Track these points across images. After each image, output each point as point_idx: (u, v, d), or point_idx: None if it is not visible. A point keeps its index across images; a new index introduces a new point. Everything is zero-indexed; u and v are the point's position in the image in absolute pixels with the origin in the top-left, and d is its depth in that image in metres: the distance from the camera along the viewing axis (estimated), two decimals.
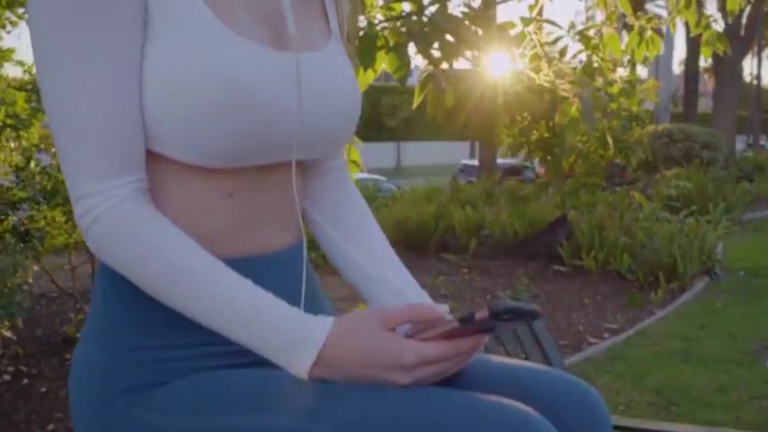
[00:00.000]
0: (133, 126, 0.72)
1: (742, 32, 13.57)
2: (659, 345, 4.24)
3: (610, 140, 3.34)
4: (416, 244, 7.09)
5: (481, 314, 0.72)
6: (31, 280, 3.24)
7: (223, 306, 0.72)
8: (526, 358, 1.48)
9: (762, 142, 29.46)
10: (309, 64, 0.79)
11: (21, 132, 4.28)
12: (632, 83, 4.48)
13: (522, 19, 3.19)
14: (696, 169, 9.66)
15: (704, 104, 32.77)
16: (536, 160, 7.32)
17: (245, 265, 0.78)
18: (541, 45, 3.26)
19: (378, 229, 0.96)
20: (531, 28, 3.17)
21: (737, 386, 3.48)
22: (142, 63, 0.71)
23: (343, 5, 0.91)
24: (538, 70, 3.34)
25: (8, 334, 3.16)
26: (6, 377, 3.79)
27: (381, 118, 22.22)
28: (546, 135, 6.97)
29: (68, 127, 0.71)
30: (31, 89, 4.78)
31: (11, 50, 3.96)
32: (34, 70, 4.13)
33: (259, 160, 0.77)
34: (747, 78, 36.25)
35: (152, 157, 0.75)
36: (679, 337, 4.36)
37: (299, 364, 0.71)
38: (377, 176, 15.25)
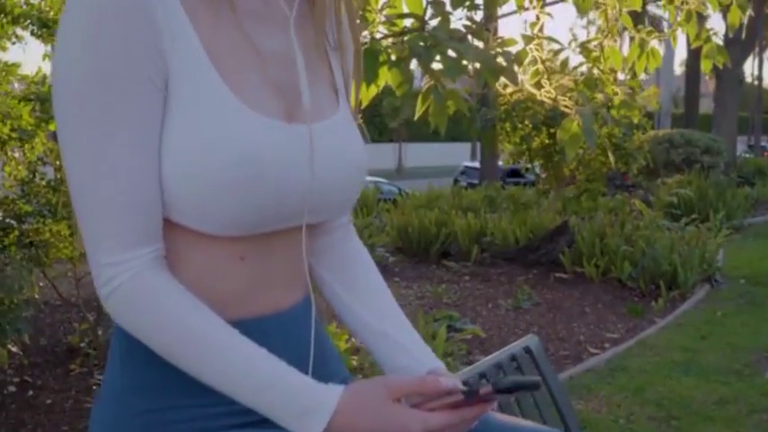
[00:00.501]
0: (153, 198, 0.75)
1: (743, 36, 13.59)
2: (660, 356, 4.27)
3: (611, 156, 3.36)
4: (418, 250, 7.13)
5: (485, 389, 0.75)
6: (37, 295, 3.26)
7: (238, 373, 0.75)
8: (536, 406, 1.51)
9: (762, 143, 29.47)
10: (321, 134, 0.82)
11: (26, 145, 4.32)
12: (633, 94, 4.50)
13: (524, 37, 3.21)
14: (697, 175, 9.68)
15: (706, 105, 32.78)
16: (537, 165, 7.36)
17: (258, 326, 0.81)
18: (543, 62, 3.29)
19: (383, 284, 0.99)
20: (532, 45, 3.20)
21: (737, 399, 3.51)
22: (161, 137, 0.74)
23: (348, 62, 0.93)
24: (539, 86, 3.37)
25: (14, 349, 3.19)
26: (12, 388, 3.81)
27: (382, 119, 22.25)
28: (547, 142, 7.00)
29: (90, 199, 0.74)
30: (35, 98, 4.82)
31: (16, 65, 4.00)
32: (37, 80, 4.13)
33: (271, 227, 0.80)
34: (748, 79, 36.25)
35: (167, 224, 0.78)
36: (679, 348, 4.39)
37: (311, 430, 0.74)
38: (378, 179, 15.28)
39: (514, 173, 15.71)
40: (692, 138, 10.54)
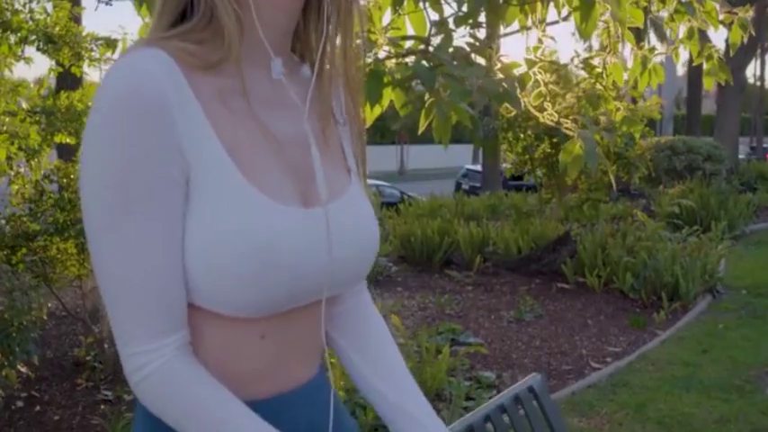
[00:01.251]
0: (178, 288, 0.77)
1: (745, 41, 13.50)
2: (661, 371, 4.30)
3: (611, 174, 3.38)
4: (421, 259, 7.16)
5: None
6: (45, 316, 3.30)
7: None
8: None
9: (765, 145, 29.45)
10: (336, 214, 0.85)
11: (32, 162, 4.36)
12: (635, 110, 4.52)
13: (527, 61, 3.24)
14: (699, 182, 9.71)
15: (708, 106, 32.75)
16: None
17: (277, 405, 0.84)
18: (545, 84, 3.32)
19: (397, 353, 1.02)
20: (535, 69, 3.23)
21: (738, 417, 3.54)
22: (184, 227, 0.77)
23: (360, 137, 0.97)
24: (542, 109, 3.40)
25: (24, 370, 3.22)
26: (19, 403, 3.85)
27: (384, 121, 22.21)
28: (549, 151, 7.04)
29: (119, 291, 0.76)
30: (41, 111, 4.86)
31: (24, 85, 4.03)
32: (42, 93, 4.16)
33: (291, 307, 0.84)
34: (750, 80, 36.18)
35: (189, 306, 0.81)
36: (681, 363, 4.42)
37: None
38: (380, 182, 15.28)
39: (516, 176, 15.74)
40: (694, 145, 10.56)
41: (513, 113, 5.29)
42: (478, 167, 16.02)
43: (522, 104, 3.16)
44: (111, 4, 3.30)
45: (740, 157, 17.16)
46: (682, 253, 6.00)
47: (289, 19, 0.86)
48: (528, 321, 5.39)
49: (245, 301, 0.78)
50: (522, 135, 6.62)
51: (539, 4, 3.22)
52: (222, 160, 0.77)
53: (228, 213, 0.77)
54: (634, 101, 7.17)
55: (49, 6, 4.75)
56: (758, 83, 36.64)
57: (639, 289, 5.72)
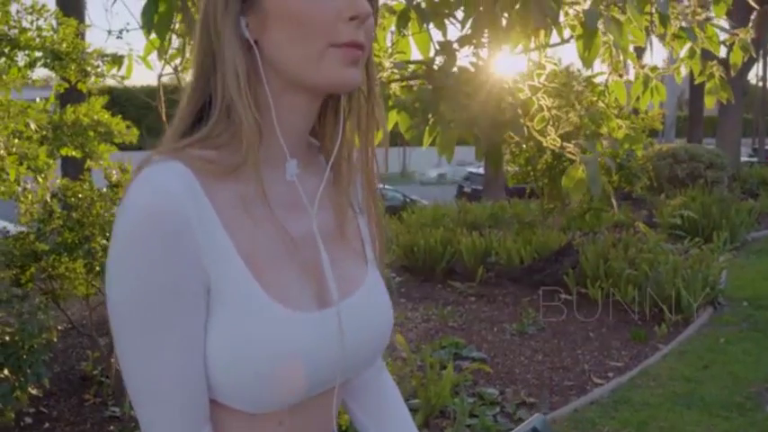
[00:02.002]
0: (201, 390, 0.82)
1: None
2: (663, 387, 4.34)
3: (614, 200, 3.42)
4: (424, 269, 7.21)
5: None
6: (56, 338, 3.35)
7: None
8: None
9: (767, 147, 29.42)
10: (349, 312, 0.88)
11: (39, 178, 4.41)
12: (636, 124, 4.56)
13: (531, 87, 3.28)
14: (701, 190, 9.74)
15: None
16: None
17: None
18: (548, 110, 3.36)
19: (410, 421, 1.06)
20: (539, 95, 3.27)
21: None
22: (206, 334, 0.81)
23: (378, 226, 1.00)
24: (544, 134, 3.44)
25: (34, 392, 3.27)
26: (28, 420, 3.89)
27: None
28: (551, 161, 7.08)
29: (146, 395, 0.80)
30: (49, 127, 4.91)
31: (33, 107, 4.08)
32: (49, 108, 4.20)
33: (307, 398, 0.88)
34: (753, 81, 36.12)
35: (212, 402, 0.84)
36: (682, 379, 4.45)
37: None
38: (382, 185, 15.31)
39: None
40: (696, 153, 10.60)
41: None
42: (480, 170, 16.04)
43: (525, 130, 3.20)
44: (121, 37, 3.34)
45: (742, 159, 17.17)
46: (683, 265, 6.03)
47: (307, 121, 0.90)
48: (530, 334, 5.43)
49: (263, 401, 0.83)
50: (524, 146, 6.66)
51: (542, 30, 3.25)
52: (240, 272, 0.81)
53: (247, 325, 0.80)
54: (636, 112, 7.21)
55: (55, 22, 4.80)
56: (761, 83, 36.56)
57: (641, 301, 5.76)
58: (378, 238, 1.00)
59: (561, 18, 3.20)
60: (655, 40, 3.76)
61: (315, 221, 0.89)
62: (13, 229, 8.67)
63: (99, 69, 4.94)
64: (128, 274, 0.77)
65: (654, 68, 4.06)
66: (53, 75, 4.86)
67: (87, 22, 7.96)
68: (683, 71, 4.12)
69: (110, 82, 5.39)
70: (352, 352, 0.88)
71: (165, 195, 0.77)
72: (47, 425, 3.87)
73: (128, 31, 3.21)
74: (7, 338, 3.13)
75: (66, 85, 4.99)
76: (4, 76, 3.92)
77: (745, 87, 14.58)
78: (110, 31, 3.29)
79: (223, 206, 0.82)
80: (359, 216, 0.99)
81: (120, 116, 5.45)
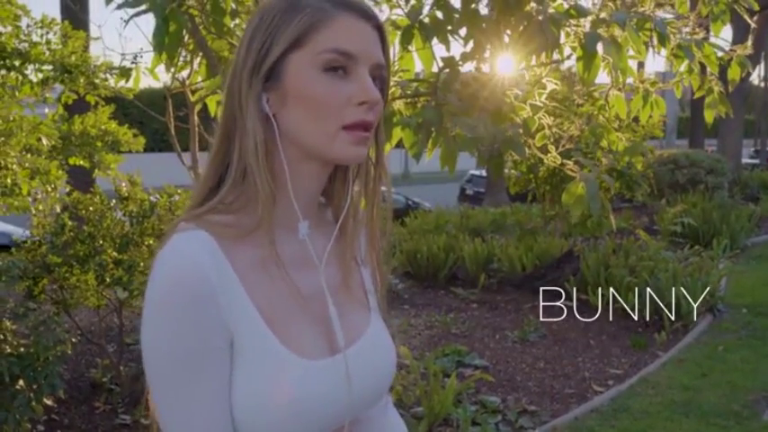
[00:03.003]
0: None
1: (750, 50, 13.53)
2: (661, 395, 4.42)
3: (612, 221, 3.50)
4: (427, 275, 7.29)
5: None
6: (70, 351, 3.43)
7: None
8: None
9: None
10: (356, 356, 0.98)
11: (47, 188, 4.49)
12: (637, 143, 4.64)
13: (532, 107, 3.36)
14: (701, 196, 9.82)
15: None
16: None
17: None
18: (550, 128, 3.44)
19: None
20: (540, 114, 3.35)
21: None
22: (231, 385, 0.90)
23: (380, 276, 1.08)
24: (546, 151, 3.52)
25: (49, 402, 3.36)
26: (41, 427, 3.98)
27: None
28: (552, 168, 7.15)
29: None
30: (60, 138, 5.00)
31: (46, 123, 4.16)
32: (57, 118, 4.28)
33: None
34: (755, 81, 36.12)
35: None
36: (681, 387, 4.53)
37: None
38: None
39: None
40: (697, 158, 10.68)
41: None
42: (482, 172, 16.10)
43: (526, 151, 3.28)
44: (136, 62, 3.42)
45: (744, 160, 17.22)
46: (683, 272, 6.11)
47: (318, 185, 0.99)
48: (532, 342, 5.52)
49: None
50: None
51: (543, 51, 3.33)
52: (259, 327, 0.91)
53: (268, 374, 0.90)
54: (637, 120, 7.28)
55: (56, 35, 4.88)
56: (763, 83, 36.55)
57: (641, 308, 5.84)
58: (379, 285, 1.09)
59: (562, 39, 3.28)
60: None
61: (323, 277, 0.99)
62: (20, 233, 8.75)
63: (107, 82, 5.04)
64: (160, 335, 0.87)
65: (654, 83, 4.13)
66: (56, 85, 4.95)
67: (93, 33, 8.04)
68: (683, 84, 4.18)
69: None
70: (359, 392, 0.98)
71: (190, 264, 0.87)
72: None
73: (141, 56, 3.27)
74: (22, 350, 3.23)
75: (75, 97, 5.08)
76: (17, 93, 4.01)
77: (746, 91, 14.63)
78: (123, 55, 3.37)
79: (242, 267, 0.91)
80: (362, 267, 1.09)
81: (126, 123, 5.55)
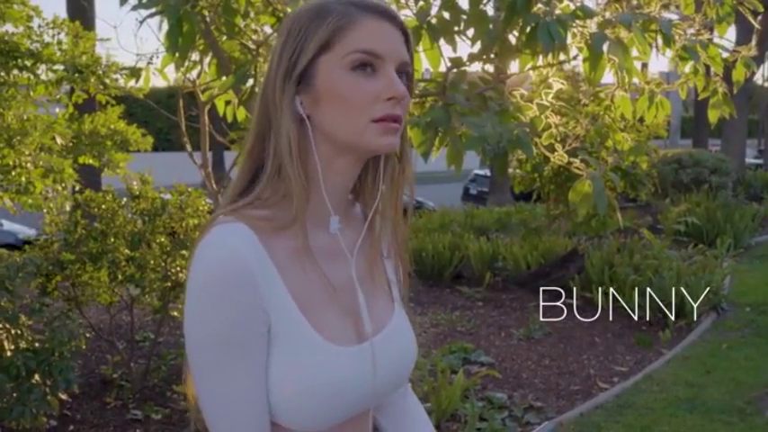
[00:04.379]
0: (264, 413, 0.97)
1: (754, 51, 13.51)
2: (666, 392, 4.46)
3: (620, 217, 3.55)
4: (432, 274, 7.34)
5: None
6: (84, 346, 3.49)
7: None
8: None
9: None
10: (381, 344, 1.04)
11: (58, 187, 4.55)
12: (640, 135, 4.68)
13: (539, 106, 3.41)
14: (705, 195, 9.86)
15: None
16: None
17: None
18: (556, 127, 3.49)
19: None
20: (547, 113, 3.40)
21: None
22: (267, 369, 0.96)
23: (403, 268, 1.15)
24: (552, 150, 3.57)
25: (64, 397, 3.42)
26: (53, 422, 4.03)
27: None
28: (557, 167, 7.19)
29: (218, 419, 0.96)
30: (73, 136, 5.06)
31: (59, 123, 4.22)
32: (68, 117, 4.34)
33: (346, 419, 1.03)
34: (759, 81, 36.02)
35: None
36: (685, 384, 4.58)
37: None
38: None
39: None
40: (701, 158, 10.72)
41: None
42: (486, 172, 16.12)
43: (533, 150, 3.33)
44: (151, 63, 3.48)
45: (748, 160, 17.23)
46: (687, 271, 6.15)
47: (349, 181, 1.05)
48: (537, 339, 5.56)
49: (312, 421, 0.99)
50: None
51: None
52: (295, 315, 0.97)
53: (303, 358, 0.97)
54: (642, 120, 7.32)
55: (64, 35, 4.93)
56: (766, 83, 36.43)
57: (645, 307, 5.88)
58: (402, 276, 1.15)
59: (568, 39, 3.33)
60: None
61: (354, 269, 1.05)
62: (26, 232, 8.81)
63: (118, 82, 5.10)
64: (205, 321, 0.93)
65: (659, 83, 4.17)
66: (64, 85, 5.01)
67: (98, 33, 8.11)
68: (688, 85, 4.22)
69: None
70: (383, 378, 1.04)
71: (233, 254, 0.92)
72: (71, 427, 4.01)
73: (157, 56, 3.34)
74: (37, 345, 3.29)
75: (85, 96, 5.14)
76: (31, 93, 4.07)
77: (750, 92, 14.65)
78: (138, 55, 3.43)
79: (278, 258, 0.97)
80: (386, 260, 1.14)
81: (130, 123, 5.60)
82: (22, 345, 3.20)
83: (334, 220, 1.03)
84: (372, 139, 0.98)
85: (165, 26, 2.96)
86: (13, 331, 3.12)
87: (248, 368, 0.95)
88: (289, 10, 2.92)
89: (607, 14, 3.39)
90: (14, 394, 3.11)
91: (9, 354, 3.10)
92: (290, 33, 0.99)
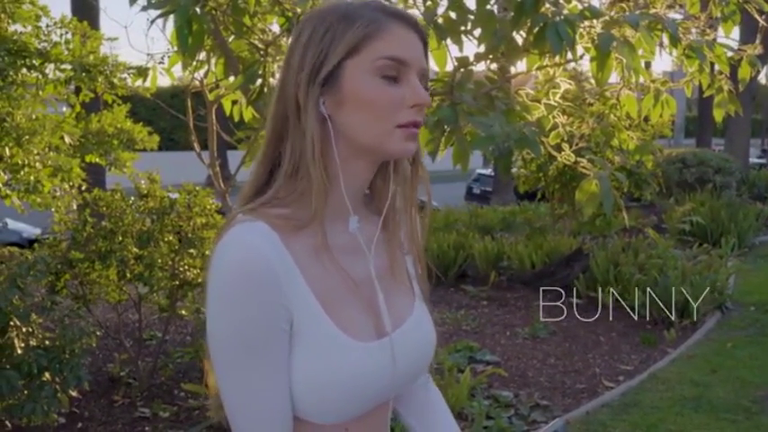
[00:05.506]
0: (287, 408, 0.99)
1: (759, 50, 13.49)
2: (671, 390, 4.48)
3: (626, 216, 3.57)
4: (436, 273, 7.34)
5: None
6: (94, 344, 3.52)
7: None
8: None
9: None
10: (401, 339, 1.05)
11: (66, 186, 4.58)
12: (646, 135, 4.69)
13: (547, 106, 3.43)
14: (709, 194, 9.88)
15: None
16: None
17: None
18: (564, 126, 3.51)
19: (453, 424, 1.25)
20: (555, 112, 3.42)
21: None
22: (289, 365, 0.98)
23: (421, 262, 1.17)
24: (559, 150, 3.59)
25: (75, 394, 3.44)
26: (62, 420, 4.05)
27: None
28: (562, 167, 7.21)
29: (241, 416, 0.98)
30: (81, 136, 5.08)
31: (68, 122, 4.25)
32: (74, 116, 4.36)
33: (366, 411, 1.05)
34: (762, 81, 35.94)
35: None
36: (690, 382, 4.59)
37: None
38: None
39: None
40: (705, 157, 10.73)
41: None
42: (490, 171, 16.13)
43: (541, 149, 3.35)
44: (162, 62, 3.50)
45: (751, 160, 17.20)
46: (692, 270, 6.16)
47: (366, 181, 1.07)
48: (542, 338, 5.58)
49: (333, 414, 1.01)
50: None
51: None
52: (316, 311, 0.99)
53: (324, 353, 0.98)
54: (647, 119, 7.34)
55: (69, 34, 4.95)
56: None
57: (650, 306, 5.89)
58: (420, 270, 1.17)
59: None
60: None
61: (372, 265, 1.07)
62: (30, 231, 8.82)
63: (125, 81, 5.12)
64: (229, 319, 0.95)
65: (665, 82, 4.18)
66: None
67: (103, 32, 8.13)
68: (693, 83, 4.22)
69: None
70: (402, 371, 1.06)
71: (255, 252, 0.94)
72: (80, 425, 4.03)
73: (169, 56, 3.36)
74: (47, 343, 3.31)
75: (92, 95, 5.17)
76: (40, 92, 4.10)
77: (754, 92, 14.64)
78: (149, 55, 3.45)
79: (299, 256, 0.99)
80: (406, 256, 1.16)
81: (138, 123, 5.63)
82: (33, 342, 3.22)
83: (353, 220, 1.05)
84: (395, 144, 1.00)
85: (170, 25, 2.98)
86: (24, 329, 3.15)
87: (271, 365, 0.96)
88: (299, 10, 2.94)
89: (612, 14, 3.40)
90: (25, 391, 3.13)
91: (20, 351, 3.12)
92: (313, 34, 1.00)
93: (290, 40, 1.07)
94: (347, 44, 0.98)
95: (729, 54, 3.89)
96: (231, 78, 3.55)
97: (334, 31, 0.99)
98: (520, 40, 3.41)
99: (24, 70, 4.53)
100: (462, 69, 3.43)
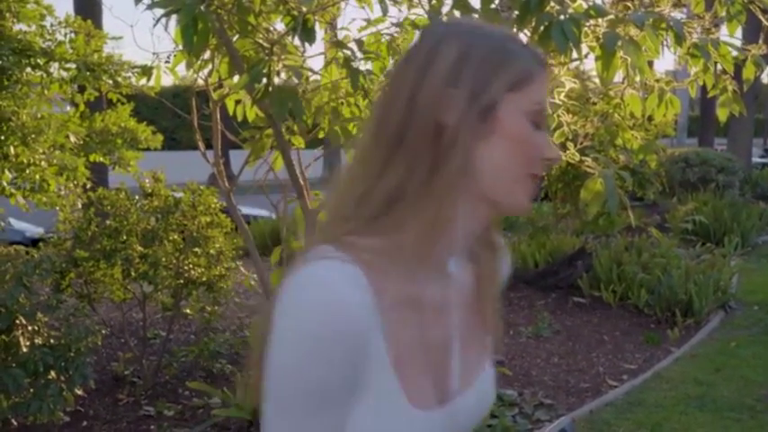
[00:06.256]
0: None
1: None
2: (675, 389, 4.48)
3: (631, 215, 3.57)
4: None
5: None
6: (100, 342, 3.53)
7: None
8: None
9: None
10: (463, 406, 0.99)
11: (70, 185, 4.59)
12: (649, 134, 4.69)
13: (551, 104, 3.43)
14: (712, 194, 9.88)
15: None
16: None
17: None
18: (568, 125, 3.51)
19: None
20: (560, 111, 3.42)
21: None
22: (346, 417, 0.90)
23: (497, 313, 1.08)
24: (564, 149, 3.59)
25: (80, 392, 3.45)
26: (67, 418, 4.06)
27: None
28: (565, 166, 7.20)
29: None
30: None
31: (74, 121, 4.26)
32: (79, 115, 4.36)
33: None
34: (765, 80, 35.88)
35: None
36: (694, 381, 4.60)
37: None
38: None
39: None
40: (708, 157, 10.74)
41: None
42: None
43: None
44: (168, 61, 3.50)
45: (754, 160, 17.20)
46: (695, 270, 6.17)
47: (479, 228, 0.97)
48: (546, 337, 5.58)
49: None
50: None
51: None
52: (388, 373, 0.90)
53: (385, 420, 0.90)
54: (650, 119, 7.33)
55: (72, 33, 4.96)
56: None
57: (654, 305, 5.90)
58: (496, 324, 1.09)
59: None
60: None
61: (456, 329, 0.98)
62: (33, 230, 8.82)
63: (129, 80, 5.13)
64: (296, 364, 0.85)
65: (669, 81, 4.18)
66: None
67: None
68: (697, 83, 4.22)
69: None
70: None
71: (341, 302, 0.83)
72: (85, 423, 4.04)
73: (175, 55, 3.36)
74: (53, 341, 3.32)
75: (97, 94, 5.17)
76: (46, 91, 4.11)
77: (757, 92, 14.64)
78: (156, 54, 3.45)
79: (383, 305, 0.87)
80: None
81: (141, 122, 5.64)
82: (39, 341, 3.23)
83: (452, 261, 0.97)
84: (520, 195, 0.93)
85: (173, 24, 2.98)
86: (29, 327, 3.16)
87: (331, 418, 0.89)
88: (304, 9, 2.93)
89: (617, 12, 3.40)
90: (31, 390, 3.15)
91: (26, 350, 3.13)
92: (470, 52, 0.90)
93: (419, 45, 0.94)
94: (512, 77, 0.90)
95: (734, 54, 3.88)
96: (236, 78, 3.56)
97: (496, 59, 0.91)
98: (524, 39, 3.40)
99: (29, 69, 4.53)
100: None
